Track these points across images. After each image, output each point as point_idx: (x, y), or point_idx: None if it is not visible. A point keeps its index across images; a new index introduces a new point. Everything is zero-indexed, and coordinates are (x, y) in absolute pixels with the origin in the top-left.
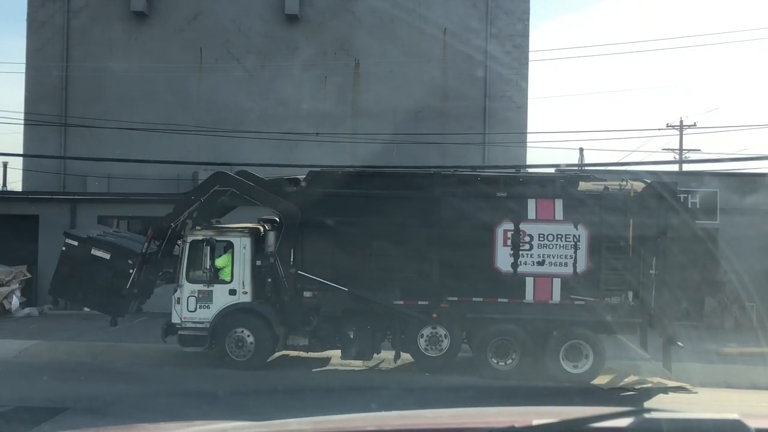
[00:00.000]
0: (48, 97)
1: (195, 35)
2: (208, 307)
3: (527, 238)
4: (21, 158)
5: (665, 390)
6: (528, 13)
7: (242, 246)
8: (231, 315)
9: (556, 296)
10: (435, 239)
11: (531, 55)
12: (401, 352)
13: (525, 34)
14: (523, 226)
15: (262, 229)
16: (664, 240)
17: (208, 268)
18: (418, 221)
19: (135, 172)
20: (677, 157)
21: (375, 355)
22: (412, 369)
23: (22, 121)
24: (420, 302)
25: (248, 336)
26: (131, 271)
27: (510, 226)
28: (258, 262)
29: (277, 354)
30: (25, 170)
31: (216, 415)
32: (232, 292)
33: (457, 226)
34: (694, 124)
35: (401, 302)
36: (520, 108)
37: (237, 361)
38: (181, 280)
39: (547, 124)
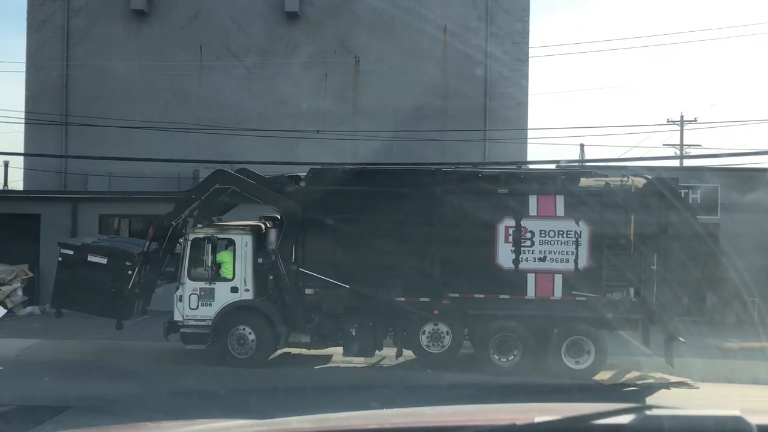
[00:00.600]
0: (48, 96)
1: (195, 33)
2: (210, 305)
3: (528, 235)
4: (22, 157)
5: (667, 385)
6: (528, 11)
7: (244, 243)
8: (233, 312)
9: (558, 293)
10: (436, 236)
11: (531, 51)
12: (403, 349)
13: (525, 32)
14: (524, 223)
15: (263, 226)
16: (666, 236)
17: (210, 265)
18: (419, 218)
19: (136, 170)
20: (678, 152)
21: (377, 352)
22: (413, 366)
23: (23, 121)
24: (422, 299)
25: (250, 333)
26: (130, 272)
27: (511, 222)
28: (260, 260)
29: (279, 351)
30: (26, 169)
31: (218, 414)
32: (234, 289)
33: (459, 223)
34: (695, 120)
35: (403, 299)
36: (520, 105)
37: (239, 359)
38: (182, 278)
39: (548, 120)
